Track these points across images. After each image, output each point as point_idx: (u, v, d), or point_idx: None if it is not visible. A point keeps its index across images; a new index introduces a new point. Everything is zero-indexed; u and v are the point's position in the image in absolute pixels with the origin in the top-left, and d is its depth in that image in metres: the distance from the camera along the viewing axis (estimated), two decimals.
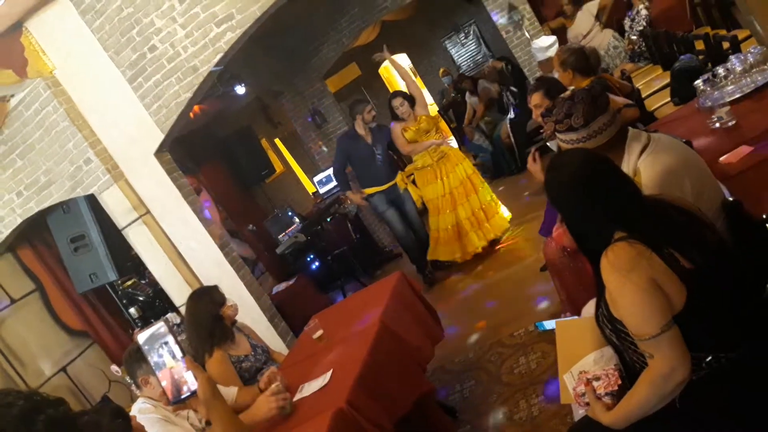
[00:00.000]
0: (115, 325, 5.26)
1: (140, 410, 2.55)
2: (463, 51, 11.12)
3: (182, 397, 1.28)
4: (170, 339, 1.30)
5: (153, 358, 1.29)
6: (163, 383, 1.28)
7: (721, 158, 2.36)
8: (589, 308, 2.07)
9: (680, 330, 1.47)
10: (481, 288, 4.83)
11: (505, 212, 5.60)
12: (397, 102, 5.34)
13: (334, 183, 7.42)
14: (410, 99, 5.38)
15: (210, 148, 6.99)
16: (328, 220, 6.95)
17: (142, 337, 1.32)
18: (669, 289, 1.47)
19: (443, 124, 11.04)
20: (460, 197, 5.37)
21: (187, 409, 2.61)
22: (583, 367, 1.72)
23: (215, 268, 4.46)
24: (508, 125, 7.42)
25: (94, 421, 0.95)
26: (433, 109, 11.84)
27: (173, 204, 4.44)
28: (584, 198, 1.63)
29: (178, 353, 1.29)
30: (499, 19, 7.26)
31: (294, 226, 6.86)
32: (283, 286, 6.11)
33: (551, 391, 2.97)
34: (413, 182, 5.58)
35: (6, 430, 0.85)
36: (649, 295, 1.46)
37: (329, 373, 2.65)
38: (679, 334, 1.45)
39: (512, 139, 7.37)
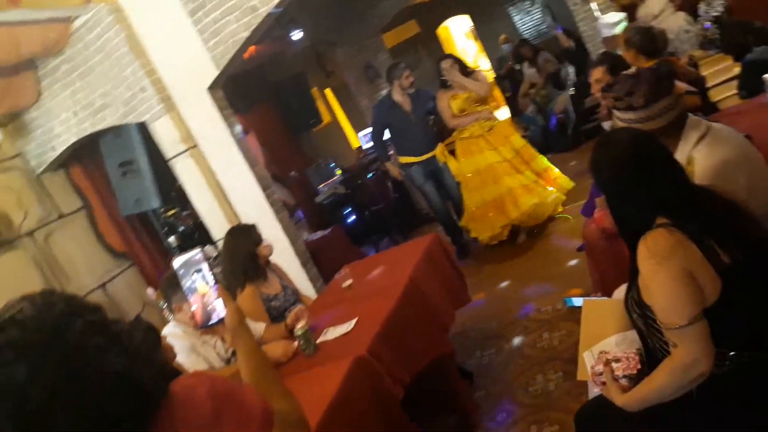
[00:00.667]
0: (154, 251, 5.44)
1: (171, 333, 2.67)
2: (528, 19, 10.82)
3: (210, 322, 1.33)
4: (204, 266, 1.34)
5: (186, 283, 1.35)
6: (194, 307, 1.34)
7: None
8: (620, 292, 2.05)
9: (709, 324, 1.46)
10: (515, 261, 4.80)
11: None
12: (446, 64, 4.93)
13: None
14: (462, 65, 5.01)
15: (261, 91, 7.03)
16: (369, 176, 6.98)
17: (178, 261, 1.37)
18: (703, 282, 1.45)
19: (497, 92, 10.85)
20: (512, 169, 5.03)
21: (216, 337, 2.73)
22: (605, 347, 1.72)
23: (255, 207, 4.55)
24: (569, 100, 7.24)
25: (128, 330, 1.00)
26: (489, 75, 11.65)
27: (221, 140, 4.51)
28: (630, 178, 1.61)
29: (211, 281, 1.34)
30: None
31: (335, 177, 6.92)
32: (318, 234, 6.21)
33: (570, 369, 2.99)
34: (452, 153, 5.33)
35: (47, 327, 0.90)
36: (683, 285, 1.44)
37: (354, 321, 2.71)
38: (707, 328, 1.44)
39: (571, 114, 7.20)
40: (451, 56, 5.10)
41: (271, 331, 2.93)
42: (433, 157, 5.20)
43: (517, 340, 3.59)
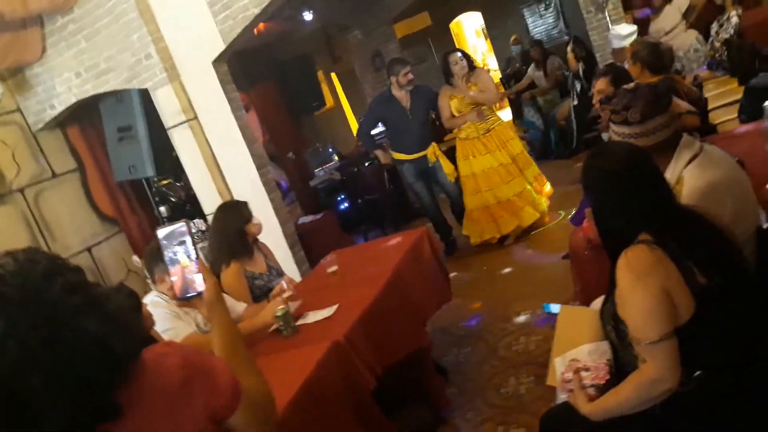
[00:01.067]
0: (144, 219, 5.44)
1: (152, 302, 2.68)
2: (540, 22, 10.79)
3: (188, 295, 1.33)
4: (188, 239, 1.34)
5: (168, 254, 1.35)
6: (173, 278, 1.34)
7: None
8: (599, 303, 2.08)
9: (679, 342, 1.48)
10: (501, 264, 4.83)
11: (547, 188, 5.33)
12: (454, 57, 4.90)
13: (380, 128, 7.43)
14: (470, 60, 4.99)
15: (266, 69, 7.01)
16: (366, 164, 6.98)
17: (161, 232, 1.36)
18: (678, 301, 1.47)
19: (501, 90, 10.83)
20: (508, 175, 5.02)
21: (195, 310, 2.74)
22: (576, 355, 1.75)
23: (249, 185, 4.55)
24: (572, 109, 7.24)
25: (107, 293, 1.01)
26: (496, 75, 11.64)
27: (221, 115, 4.51)
28: (619, 192, 1.62)
29: (193, 254, 1.34)
30: None
31: (332, 163, 6.92)
32: (309, 218, 6.22)
33: (543, 374, 3.02)
34: (449, 153, 5.32)
35: (27, 284, 0.91)
36: (657, 303, 1.47)
37: (335, 307, 2.73)
38: (676, 346, 1.46)
39: (573, 124, 7.21)
40: (460, 50, 5.07)
41: (251, 310, 2.94)
42: (426, 156, 5.14)
43: (493, 341, 3.61)
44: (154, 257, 2.67)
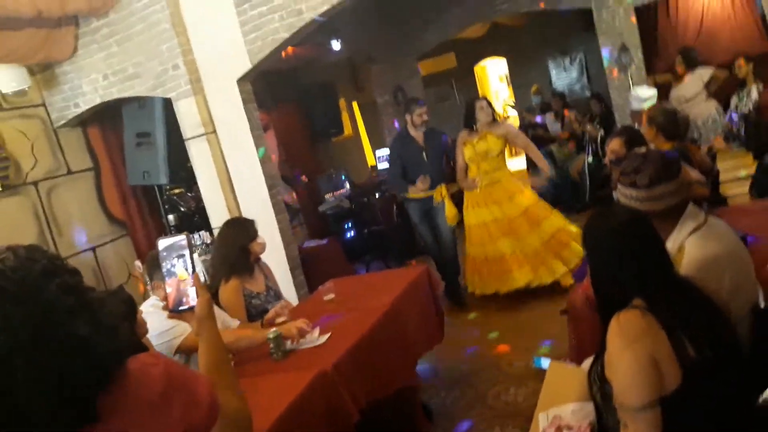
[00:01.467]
0: (152, 226, 5.49)
1: (152, 305, 2.71)
2: (564, 75, 10.92)
3: (180, 308, 1.35)
4: (187, 253, 1.37)
5: (166, 266, 1.37)
6: (168, 290, 1.36)
7: None
8: (589, 362, 2.07)
9: (665, 412, 1.48)
10: (499, 312, 4.77)
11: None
12: (482, 103, 4.90)
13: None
14: (494, 109, 4.97)
15: (289, 92, 7.12)
16: (377, 195, 7.02)
17: (162, 243, 1.39)
18: (665, 371, 1.47)
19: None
20: (521, 228, 4.82)
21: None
22: (560, 412, 1.74)
23: (258, 203, 4.60)
24: (586, 165, 7.28)
25: (101, 298, 1.02)
26: (515, 121, 11.74)
27: (239, 132, 4.58)
28: (618, 255, 1.63)
29: (190, 268, 1.36)
30: (609, 56, 7.13)
31: (343, 190, 6.97)
32: (314, 242, 6.24)
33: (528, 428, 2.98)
34: (457, 197, 5.23)
35: (25, 281, 0.92)
36: (645, 370, 1.47)
37: (327, 336, 2.73)
38: (659, 416, 1.45)
39: (586, 179, 7.25)
40: (486, 99, 5.07)
41: (245, 328, 2.95)
42: (432, 196, 5.05)
43: (483, 389, 3.58)
44: (154, 265, 2.71)
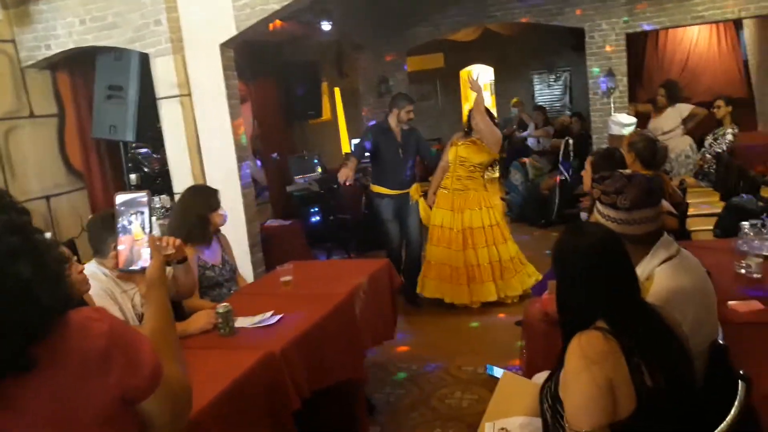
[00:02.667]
0: (111, 182, 5.29)
1: (90, 273, 2.55)
2: (547, 92, 11.01)
3: (131, 268, 1.27)
4: (146, 211, 1.29)
5: (121, 222, 1.29)
6: (120, 247, 1.28)
7: (730, 302, 2.31)
8: (541, 377, 2.04)
9: None
10: (455, 316, 4.73)
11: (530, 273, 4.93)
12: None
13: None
14: (490, 114, 4.95)
15: (272, 66, 6.96)
16: (347, 184, 6.92)
17: (120, 197, 1.31)
18: (620, 396, 1.44)
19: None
20: (479, 240, 4.80)
21: (135, 288, 2.63)
22: (507, 425, 1.70)
23: (224, 174, 4.46)
24: (558, 183, 7.32)
25: (48, 242, 0.95)
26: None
27: (214, 99, 4.43)
28: (585, 274, 1.60)
29: (147, 228, 1.28)
30: (594, 78, 7.19)
31: (314, 174, 6.86)
32: (277, 222, 6.13)
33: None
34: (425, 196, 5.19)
35: None
36: (600, 394, 1.43)
37: (278, 317, 2.65)
38: None
39: (556, 196, 7.29)
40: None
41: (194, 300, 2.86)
42: (406, 194, 5.02)
43: (429, 390, 3.55)
44: (107, 227, 2.55)
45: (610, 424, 1.43)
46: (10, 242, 0.88)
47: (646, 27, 7.10)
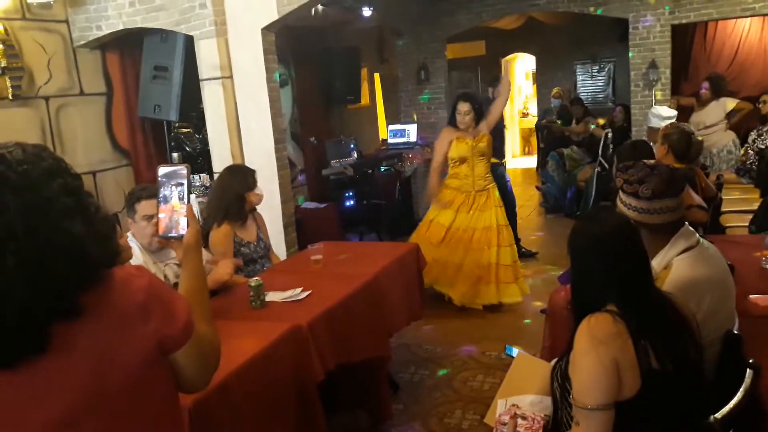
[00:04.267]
0: (155, 160, 5.47)
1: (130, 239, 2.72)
2: (590, 82, 10.85)
3: (170, 234, 1.38)
4: (185, 182, 1.38)
5: (163, 192, 1.39)
6: (161, 215, 1.38)
7: (751, 296, 2.32)
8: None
9: (620, 417, 1.50)
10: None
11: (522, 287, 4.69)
12: (464, 107, 4.50)
13: (403, 139, 7.47)
14: (479, 111, 4.56)
15: (313, 51, 7.06)
16: (382, 169, 7.01)
17: (162, 169, 1.41)
18: (626, 378, 1.49)
19: (533, 139, 10.85)
20: (482, 242, 4.56)
21: (166, 263, 2.78)
22: (519, 402, 1.77)
23: (262, 155, 4.59)
24: (595, 175, 7.25)
25: (98, 206, 1.07)
26: (531, 121, 11.68)
27: (255, 82, 4.55)
28: (601, 258, 1.64)
29: (185, 198, 1.38)
30: (636, 69, 7.08)
31: (350, 158, 6.95)
32: (312, 204, 6.26)
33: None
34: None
35: (29, 174, 0.97)
36: (606, 373, 1.48)
37: (307, 293, 2.76)
38: (611, 419, 1.48)
39: (592, 188, 7.22)
40: (471, 99, 4.60)
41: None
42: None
43: (452, 372, 3.63)
44: (131, 200, 2.72)
45: (615, 402, 1.49)
46: (66, 202, 0.99)
47: (692, 19, 6.93)
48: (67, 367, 0.99)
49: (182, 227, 1.38)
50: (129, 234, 2.74)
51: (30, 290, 0.93)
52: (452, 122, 4.64)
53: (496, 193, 4.76)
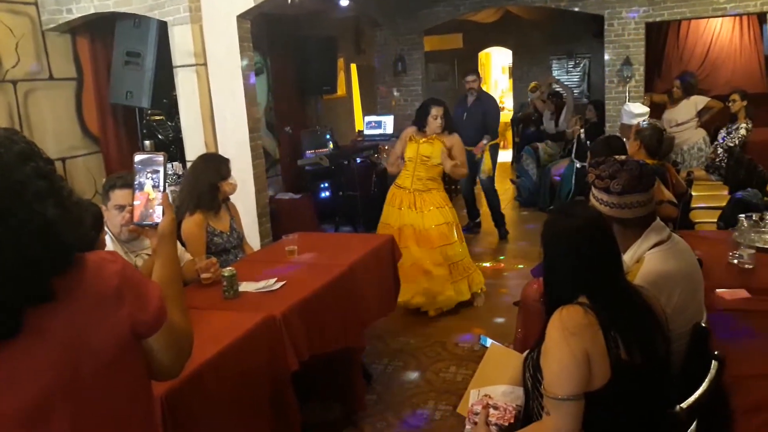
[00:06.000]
0: (126, 147, 5.39)
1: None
2: (565, 77, 10.95)
3: (144, 222, 1.36)
4: (161, 170, 1.37)
5: (138, 179, 1.37)
6: (136, 203, 1.37)
7: (718, 290, 2.37)
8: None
9: (590, 407, 1.53)
10: None
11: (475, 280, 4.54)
12: (437, 111, 4.41)
13: (380, 130, 7.46)
14: (449, 120, 4.50)
15: (289, 40, 6.99)
16: (358, 161, 6.99)
17: (138, 156, 1.39)
18: (595, 368, 1.52)
19: (508, 134, 10.93)
20: (440, 239, 4.38)
21: (137, 253, 2.74)
22: (491, 392, 1.78)
23: (236, 145, 4.55)
24: (574, 171, 7.30)
25: (71, 190, 1.05)
26: (507, 116, 11.76)
27: (229, 70, 4.50)
28: (573, 251, 1.66)
29: (161, 186, 1.36)
30: (611, 66, 7.17)
31: (325, 149, 6.92)
32: (287, 195, 6.22)
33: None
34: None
35: (2, 159, 0.95)
36: (576, 364, 1.51)
37: (282, 284, 2.74)
38: (581, 409, 1.50)
39: (571, 183, 7.28)
40: (444, 105, 4.51)
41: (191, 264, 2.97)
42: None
43: (425, 363, 3.65)
44: (112, 182, 2.67)
45: (585, 393, 1.51)
46: (39, 185, 0.97)
47: (666, 17, 7.04)
48: (40, 351, 0.98)
49: (157, 215, 1.36)
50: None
51: (2, 274, 0.92)
52: (419, 124, 4.52)
53: (443, 194, 4.60)
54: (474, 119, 6.15)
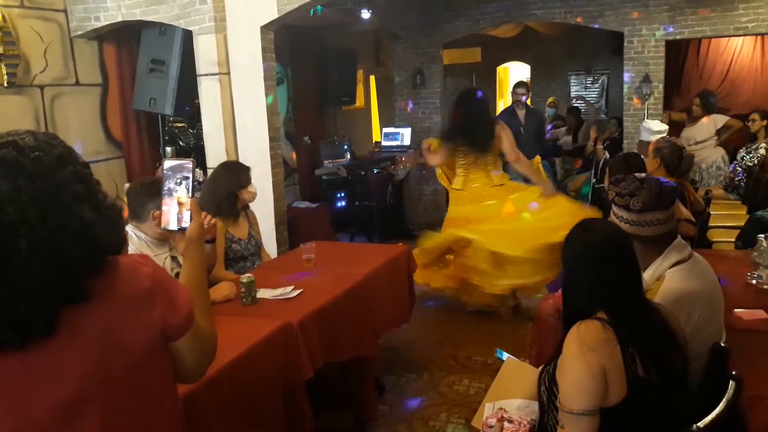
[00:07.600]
0: (148, 153, 5.47)
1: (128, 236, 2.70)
2: (583, 93, 10.93)
3: (173, 227, 1.39)
4: (190, 177, 1.40)
5: (168, 185, 1.40)
6: (164, 208, 1.39)
7: (736, 310, 2.36)
8: None
9: (605, 423, 1.53)
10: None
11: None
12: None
13: (397, 142, 7.50)
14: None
15: (309, 52, 7.07)
16: (375, 171, 7.03)
17: (169, 162, 1.42)
18: (612, 384, 1.52)
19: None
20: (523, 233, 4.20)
21: (166, 255, 2.77)
22: (506, 405, 1.79)
23: (256, 153, 4.60)
24: (590, 187, 7.27)
25: (106, 194, 1.09)
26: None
27: (252, 79, 4.56)
28: (593, 266, 1.67)
29: (190, 192, 1.39)
30: (630, 83, 7.16)
31: (343, 159, 6.96)
32: (304, 204, 6.27)
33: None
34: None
35: (41, 161, 0.99)
36: (593, 379, 1.51)
37: (298, 291, 2.77)
38: (596, 425, 1.50)
39: (588, 199, 7.26)
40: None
41: (221, 270, 2.99)
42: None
43: (438, 375, 3.65)
44: (149, 192, 2.66)
45: (600, 408, 1.52)
46: (76, 189, 1.01)
47: (686, 35, 7.02)
48: (75, 349, 1.01)
49: (185, 221, 1.39)
50: (128, 225, 2.72)
51: (41, 274, 0.95)
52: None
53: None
54: (530, 132, 6.18)
